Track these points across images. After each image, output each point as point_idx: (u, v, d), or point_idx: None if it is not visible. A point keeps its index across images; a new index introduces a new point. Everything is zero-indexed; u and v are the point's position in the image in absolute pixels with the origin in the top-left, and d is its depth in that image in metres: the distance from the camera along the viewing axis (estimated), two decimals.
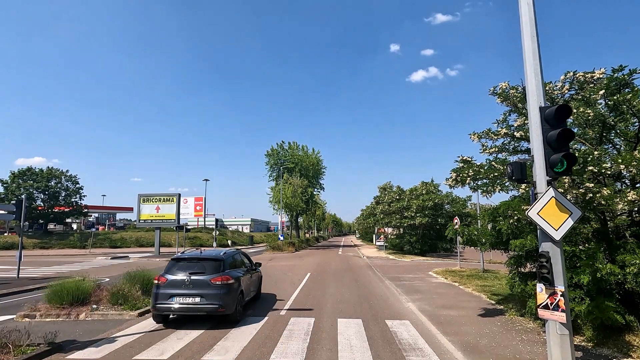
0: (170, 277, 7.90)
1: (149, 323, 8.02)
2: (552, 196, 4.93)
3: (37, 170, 45.37)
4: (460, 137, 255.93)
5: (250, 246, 58.18)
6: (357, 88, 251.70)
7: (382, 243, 36.95)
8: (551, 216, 4.90)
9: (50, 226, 51.65)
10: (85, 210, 49.60)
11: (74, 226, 58.53)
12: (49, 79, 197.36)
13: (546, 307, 4.87)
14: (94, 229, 40.13)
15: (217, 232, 39.23)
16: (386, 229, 37.44)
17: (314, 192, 50.08)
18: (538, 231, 5.12)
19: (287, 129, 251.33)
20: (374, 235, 56.18)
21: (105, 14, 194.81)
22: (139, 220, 32.10)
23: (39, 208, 44.95)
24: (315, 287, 13.51)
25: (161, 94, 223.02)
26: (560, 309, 4.75)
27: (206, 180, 77.38)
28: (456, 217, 19.49)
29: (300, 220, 64.20)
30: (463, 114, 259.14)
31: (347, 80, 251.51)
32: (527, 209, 7.27)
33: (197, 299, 7.60)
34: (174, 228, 29.87)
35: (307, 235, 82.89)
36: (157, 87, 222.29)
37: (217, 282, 7.73)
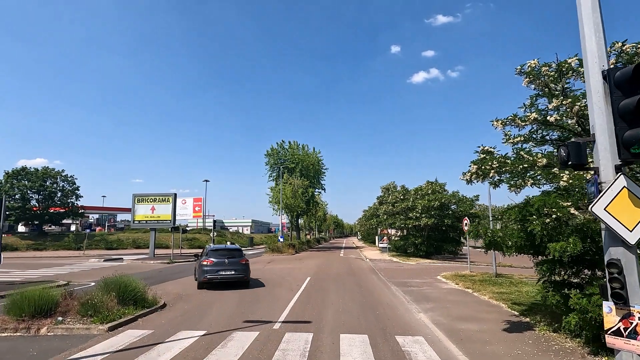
0: (215, 259, 13.22)
1: (119, 340, 6.85)
2: (624, 186, 3.75)
3: (32, 170, 44.39)
4: (464, 138, 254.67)
5: (249, 247, 57.01)
6: (357, 90, 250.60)
7: (385, 245, 35.74)
8: (623, 212, 3.71)
9: (52, 227, 50.79)
10: (82, 211, 48.56)
11: (73, 227, 57.64)
12: (50, 81, 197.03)
13: (618, 333, 3.68)
14: (88, 230, 39.02)
15: (215, 234, 38.10)
16: (389, 230, 36.26)
17: (315, 193, 48.95)
18: (603, 233, 3.93)
19: (288, 130, 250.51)
20: (376, 237, 54.97)
21: (106, 16, 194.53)
22: (134, 220, 30.99)
23: (34, 209, 43.94)
24: (314, 294, 12.33)
25: (163, 95, 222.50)
26: (638, 337, 3.56)
27: (206, 181, 76.59)
28: (466, 217, 18.31)
29: (300, 221, 63.14)
30: (466, 115, 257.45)
31: (347, 82, 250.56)
32: (569, 205, 6.12)
33: (232, 272, 13.25)
34: (170, 229, 28.74)
35: (308, 236, 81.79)
36: (159, 89, 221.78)
37: (243, 262, 13.72)
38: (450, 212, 27.12)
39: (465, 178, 7.81)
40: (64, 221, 56.96)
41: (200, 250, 17.78)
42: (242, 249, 17.22)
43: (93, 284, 14.09)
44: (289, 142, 47.77)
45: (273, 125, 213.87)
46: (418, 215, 25.94)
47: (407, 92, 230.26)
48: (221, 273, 12.93)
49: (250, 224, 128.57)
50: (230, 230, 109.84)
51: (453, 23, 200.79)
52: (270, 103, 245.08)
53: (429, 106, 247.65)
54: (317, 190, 49.55)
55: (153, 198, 31.07)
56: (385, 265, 22.68)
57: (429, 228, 27.86)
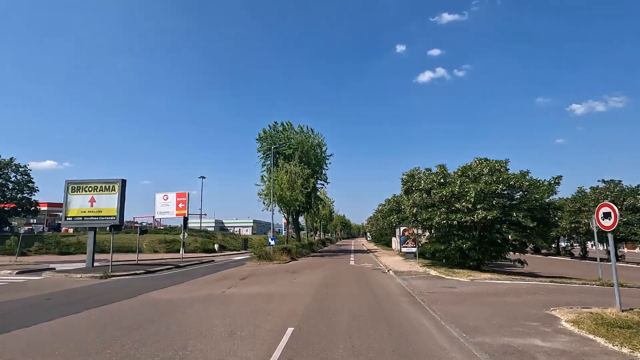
0: None
1: None
2: None
3: None
4: (470, 139, 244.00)
5: (243, 251, 48.48)
6: (363, 90, 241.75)
7: (411, 249, 26.86)
8: None
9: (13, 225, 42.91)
10: (34, 208, 40.33)
11: (40, 228, 49.63)
12: (59, 83, 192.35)
13: None
14: (22, 231, 30.69)
15: (186, 234, 29.33)
16: (417, 229, 27.31)
17: (317, 185, 40.14)
18: None
19: None
20: (393, 238, 45.88)
21: (110, 18, 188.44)
22: (66, 217, 22.54)
23: None
24: None
25: (169, 97, 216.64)
26: None
27: (202, 177, 68.05)
28: (607, 204, 9.47)
29: (302, 220, 54.34)
30: (471, 116, 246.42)
31: (353, 81, 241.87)
32: None
33: None
34: (108, 228, 20.20)
35: (315, 237, 72.93)
36: (165, 91, 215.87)
37: None
38: (516, 202, 18.13)
39: None
40: (32, 221, 49.22)
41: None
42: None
43: None
44: (282, 124, 39.03)
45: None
46: (470, 206, 16.99)
47: (413, 92, 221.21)
48: None
49: (251, 224, 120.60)
50: (231, 231, 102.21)
51: (459, 21, 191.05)
52: (275, 103, 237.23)
53: (435, 106, 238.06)
54: (320, 182, 40.77)
55: (93, 186, 22.61)
56: (425, 286, 13.82)
57: (482, 226, 18.92)
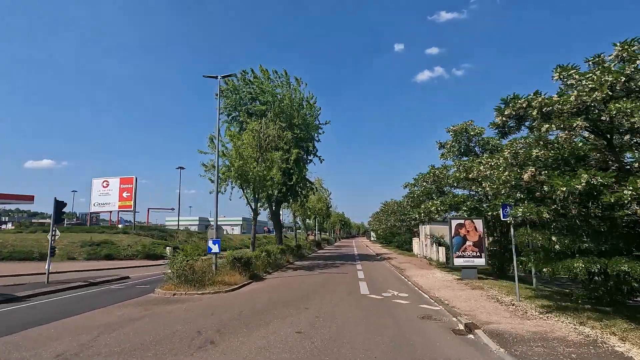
0: None
1: None
2: None
3: None
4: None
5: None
6: (361, 89, 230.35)
7: (471, 261, 14.44)
8: None
9: None
10: None
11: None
12: (58, 82, 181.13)
13: None
14: None
15: (58, 233, 16.26)
16: (476, 223, 14.91)
17: (306, 162, 27.48)
18: None
19: None
20: (415, 239, 33.29)
21: (108, 17, 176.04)
22: None
23: None
24: None
25: (166, 96, 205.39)
26: None
27: (180, 168, 54.62)
28: None
29: (290, 215, 41.79)
30: (471, 114, 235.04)
31: (351, 81, 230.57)
32: None
33: None
34: None
35: (309, 237, 60.28)
36: (163, 90, 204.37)
37: None
38: None
39: None
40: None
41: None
42: None
43: None
44: (253, 72, 26.26)
45: None
46: None
47: (412, 91, 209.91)
48: None
49: (240, 222, 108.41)
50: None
51: (458, 19, 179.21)
52: None
53: (433, 104, 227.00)
54: (310, 158, 28.11)
55: None
56: None
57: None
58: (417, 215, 17.47)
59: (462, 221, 14.97)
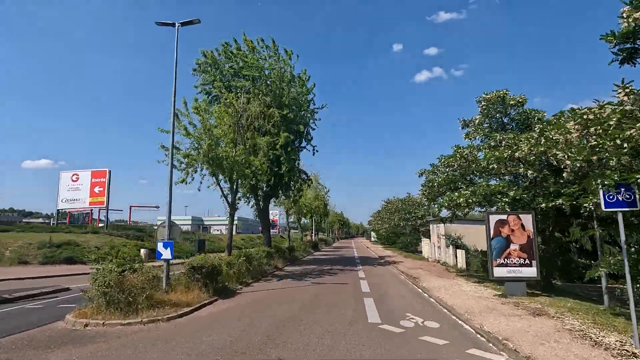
0: None
1: None
2: None
3: None
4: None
5: (182, 261, 31.67)
6: (360, 89, 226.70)
7: (518, 271, 10.45)
8: None
9: None
10: None
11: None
12: (55, 83, 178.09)
13: None
14: None
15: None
16: (523, 219, 10.79)
17: (298, 149, 23.42)
18: None
19: None
20: (425, 240, 29.11)
21: (107, 17, 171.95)
22: None
23: None
24: None
25: (165, 96, 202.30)
26: None
27: (163, 161, 50.84)
28: None
29: (281, 213, 37.84)
30: (470, 114, 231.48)
31: (350, 81, 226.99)
32: None
33: None
34: None
35: (307, 238, 56.15)
36: (162, 90, 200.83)
37: None
38: None
39: None
40: None
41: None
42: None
43: None
44: (235, 42, 22.24)
45: None
46: None
47: (409, 91, 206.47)
48: None
49: (235, 222, 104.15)
50: (212, 230, 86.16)
51: (457, 19, 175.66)
52: None
53: (431, 105, 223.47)
54: (302, 145, 24.09)
55: None
56: None
57: None
58: (436, 210, 13.42)
59: (504, 217, 10.94)
